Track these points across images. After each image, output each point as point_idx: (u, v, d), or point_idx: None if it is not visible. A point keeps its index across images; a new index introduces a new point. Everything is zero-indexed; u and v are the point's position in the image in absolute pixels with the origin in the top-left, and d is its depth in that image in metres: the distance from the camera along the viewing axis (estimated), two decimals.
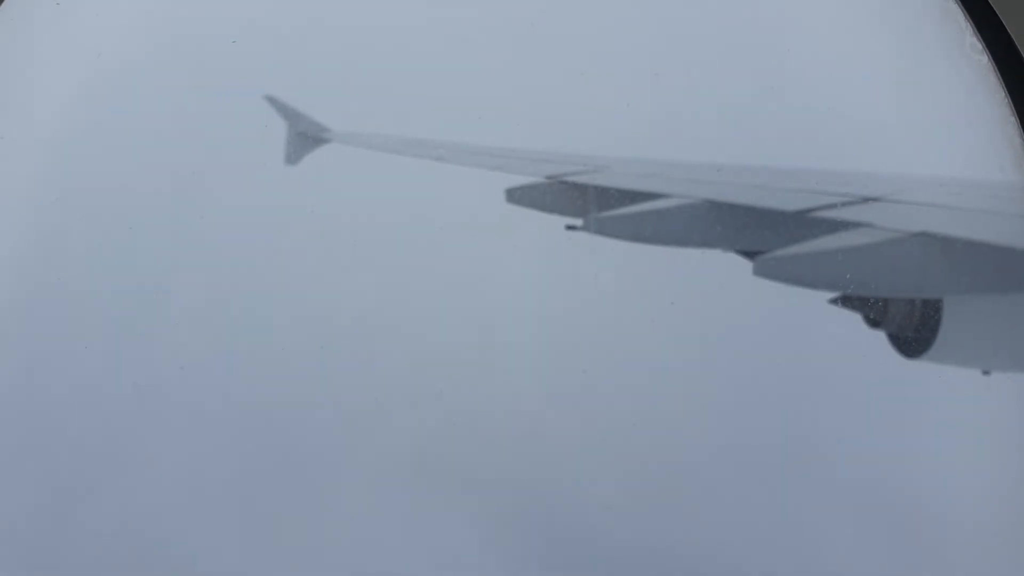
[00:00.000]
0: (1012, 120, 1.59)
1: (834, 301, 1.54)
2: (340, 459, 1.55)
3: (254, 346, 1.57)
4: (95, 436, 1.57)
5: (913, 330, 1.53)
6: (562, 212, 1.58)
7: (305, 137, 1.60)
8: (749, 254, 1.55)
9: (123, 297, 1.59)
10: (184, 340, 1.58)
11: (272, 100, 1.60)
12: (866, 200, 1.56)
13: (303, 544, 1.54)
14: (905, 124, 1.58)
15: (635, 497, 1.54)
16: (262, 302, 1.58)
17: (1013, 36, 1.60)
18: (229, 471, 1.56)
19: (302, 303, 1.58)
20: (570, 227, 1.57)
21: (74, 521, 1.56)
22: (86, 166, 1.63)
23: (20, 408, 1.58)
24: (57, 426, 1.57)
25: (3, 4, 1.69)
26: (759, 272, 1.54)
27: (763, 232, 1.56)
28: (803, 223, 1.56)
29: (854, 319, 1.54)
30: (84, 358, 1.58)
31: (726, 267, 1.56)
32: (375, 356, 1.57)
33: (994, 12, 1.61)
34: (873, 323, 1.54)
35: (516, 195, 1.58)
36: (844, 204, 1.56)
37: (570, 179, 1.59)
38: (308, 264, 1.59)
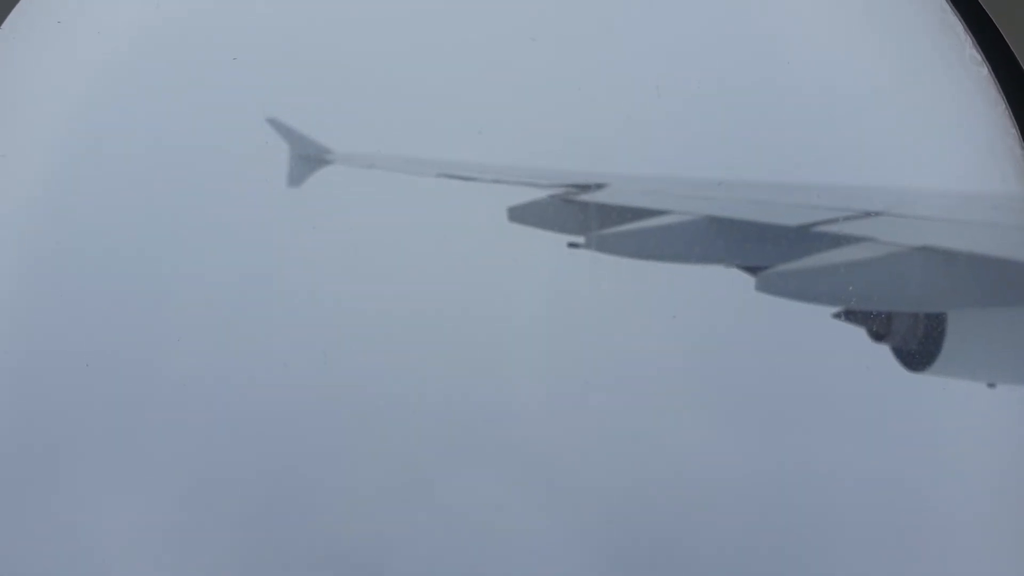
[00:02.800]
0: (1013, 131, 1.59)
1: (837, 316, 1.54)
2: (342, 476, 1.55)
3: (257, 367, 1.57)
4: (94, 454, 1.57)
5: (917, 344, 1.53)
6: (564, 230, 1.58)
7: (307, 159, 1.61)
8: (751, 269, 1.55)
9: (124, 317, 1.59)
10: (186, 360, 1.58)
11: (274, 122, 1.60)
12: (868, 214, 1.56)
13: (301, 561, 1.54)
14: (905, 137, 1.58)
15: (638, 509, 1.54)
16: (266, 323, 1.58)
17: (1012, 46, 1.60)
18: (229, 488, 1.56)
19: (306, 324, 1.58)
20: (572, 244, 1.58)
21: (67, 542, 1.56)
22: (86, 186, 1.63)
23: (20, 426, 1.58)
24: (57, 444, 1.58)
25: (4, 23, 1.69)
26: (762, 287, 1.55)
27: (765, 247, 1.56)
28: (805, 238, 1.56)
29: (858, 333, 1.54)
30: (85, 375, 1.58)
31: (729, 283, 1.56)
32: (379, 374, 1.57)
33: (993, 23, 1.61)
34: (877, 337, 1.54)
35: (518, 213, 1.58)
36: (846, 218, 1.56)
37: (571, 197, 1.59)
38: (312, 285, 1.59)
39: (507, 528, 1.54)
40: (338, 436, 1.56)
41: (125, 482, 1.56)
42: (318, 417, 1.57)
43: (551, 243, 1.58)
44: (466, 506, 1.54)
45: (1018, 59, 1.60)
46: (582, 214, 1.59)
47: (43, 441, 1.58)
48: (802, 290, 1.54)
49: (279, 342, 1.58)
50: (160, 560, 1.56)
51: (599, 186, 1.60)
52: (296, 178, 1.60)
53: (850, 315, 1.54)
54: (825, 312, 1.54)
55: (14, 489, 1.58)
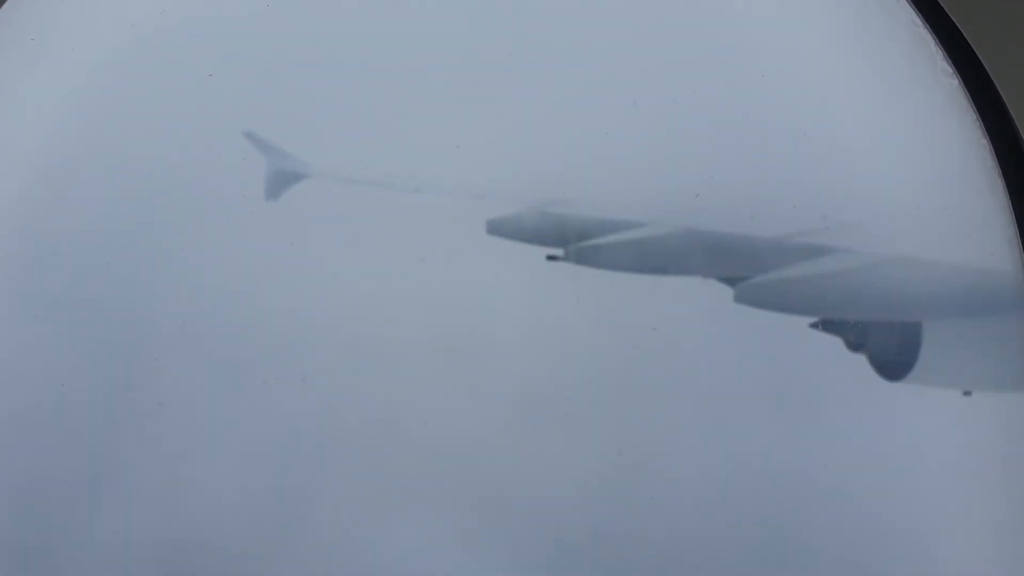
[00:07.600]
0: (984, 142, 1.61)
1: (814, 326, 1.55)
2: (321, 498, 1.54)
3: (233, 386, 1.56)
4: (70, 475, 1.55)
5: (894, 353, 1.55)
6: (542, 242, 1.59)
7: (285, 173, 1.60)
8: (730, 280, 1.56)
9: (97, 336, 1.58)
10: (161, 380, 1.57)
11: (251, 136, 1.60)
12: (844, 225, 1.58)
13: None
14: (878, 148, 1.61)
15: (621, 527, 1.54)
16: (242, 342, 1.58)
17: (982, 59, 1.63)
18: (205, 508, 1.55)
19: (282, 338, 1.57)
20: (551, 257, 1.58)
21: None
22: (60, 204, 1.62)
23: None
24: (34, 477, 1.56)
25: None
26: (740, 298, 1.56)
27: (744, 258, 1.58)
28: (783, 249, 1.57)
29: (835, 343, 1.55)
30: (61, 405, 1.57)
31: (708, 294, 1.57)
32: (358, 393, 1.56)
33: (963, 36, 1.64)
34: (854, 347, 1.55)
35: (496, 226, 1.58)
36: (823, 229, 1.58)
37: (550, 209, 1.60)
38: (289, 302, 1.58)
39: (486, 547, 1.53)
40: (316, 458, 1.55)
41: (100, 506, 1.55)
42: (295, 438, 1.56)
43: (529, 256, 1.58)
44: (446, 522, 1.54)
45: (988, 71, 1.63)
46: (560, 227, 1.59)
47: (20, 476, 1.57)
48: (780, 301, 1.56)
49: (256, 361, 1.57)
50: None
51: (577, 198, 1.61)
52: (273, 192, 1.60)
53: (827, 325, 1.55)
54: (802, 323, 1.56)
55: None
